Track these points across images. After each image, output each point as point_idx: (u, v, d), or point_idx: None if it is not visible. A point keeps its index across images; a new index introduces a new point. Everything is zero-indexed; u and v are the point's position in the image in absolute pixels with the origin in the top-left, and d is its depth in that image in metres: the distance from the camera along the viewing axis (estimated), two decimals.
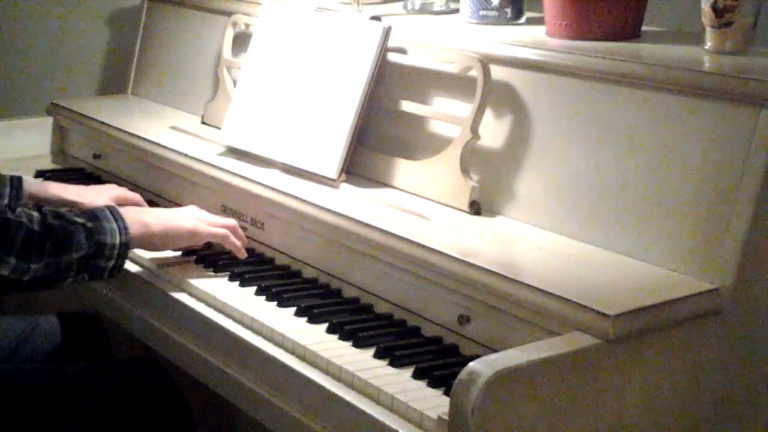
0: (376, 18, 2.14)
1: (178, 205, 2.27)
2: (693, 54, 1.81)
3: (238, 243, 2.01)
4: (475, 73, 1.92)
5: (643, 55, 1.85)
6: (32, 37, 3.09)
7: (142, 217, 1.93)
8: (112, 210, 1.89)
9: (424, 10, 2.39)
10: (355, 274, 1.86)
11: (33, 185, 2.20)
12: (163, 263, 2.02)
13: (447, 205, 1.93)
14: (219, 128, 2.35)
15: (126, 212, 1.90)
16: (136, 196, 2.24)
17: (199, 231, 1.98)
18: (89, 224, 1.83)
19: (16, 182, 2.16)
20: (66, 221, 1.82)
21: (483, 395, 1.32)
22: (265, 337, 1.74)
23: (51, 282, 1.82)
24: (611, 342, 1.45)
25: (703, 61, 1.76)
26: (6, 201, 2.13)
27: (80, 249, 1.81)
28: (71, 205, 2.13)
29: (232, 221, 2.05)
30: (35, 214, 1.80)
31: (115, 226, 1.85)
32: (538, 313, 1.53)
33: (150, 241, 1.94)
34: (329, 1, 2.46)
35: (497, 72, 1.92)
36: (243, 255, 2.01)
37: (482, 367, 1.35)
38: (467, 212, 1.90)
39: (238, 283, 1.93)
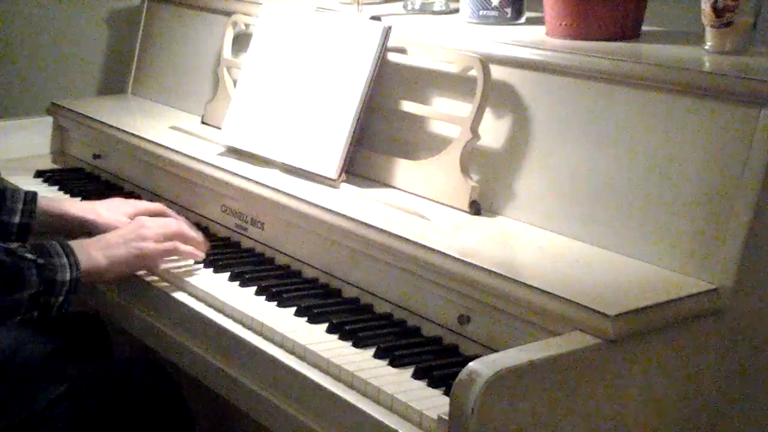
0: (376, 18, 2.14)
1: (179, 206, 2.27)
2: (693, 54, 1.81)
3: (189, 248, 1.99)
4: (475, 73, 1.92)
5: (643, 55, 1.85)
6: (32, 37, 3.09)
7: (90, 252, 1.88)
8: (63, 245, 1.85)
9: (424, 10, 2.39)
10: (355, 274, 1.86)
11: (46, 202, 2.16)
12: (163, 263, 2.02)
13: (447, 205, 1.93)
14: (219, 128, 2.35)
15: (74, 246, 1.86)
16: (157, 207, 2.17)
17: (146, 254, 1.94)
18: (40, 260, 1.79)
19: (30, 198, 2.13)
20: (17, 258, 1.78)
21: (483, 395, 1.32)
22: (265, 337, 1.74)
23: (1, 320, 1.78)
24: (611, 342, 1.45)
25: (703, 61, 1.76)
26: (18, 217, 2.11)
27: (31, 287, 1.77)
28: (84, 222, 2.11)
29: (177, 227, 2.01)
30: None
31: (65, 261, 1.82)
32: (538, 313, 1.53)
33: (99, 275, 1.90)
34: (329, 1, 2.46)
35: (497, 72, 1.92)
36: (200, 256, 2.00)
37: (482, 367, 1.35)
38: (467, 212, 1.90)
39: (238, 283, 1.93)
